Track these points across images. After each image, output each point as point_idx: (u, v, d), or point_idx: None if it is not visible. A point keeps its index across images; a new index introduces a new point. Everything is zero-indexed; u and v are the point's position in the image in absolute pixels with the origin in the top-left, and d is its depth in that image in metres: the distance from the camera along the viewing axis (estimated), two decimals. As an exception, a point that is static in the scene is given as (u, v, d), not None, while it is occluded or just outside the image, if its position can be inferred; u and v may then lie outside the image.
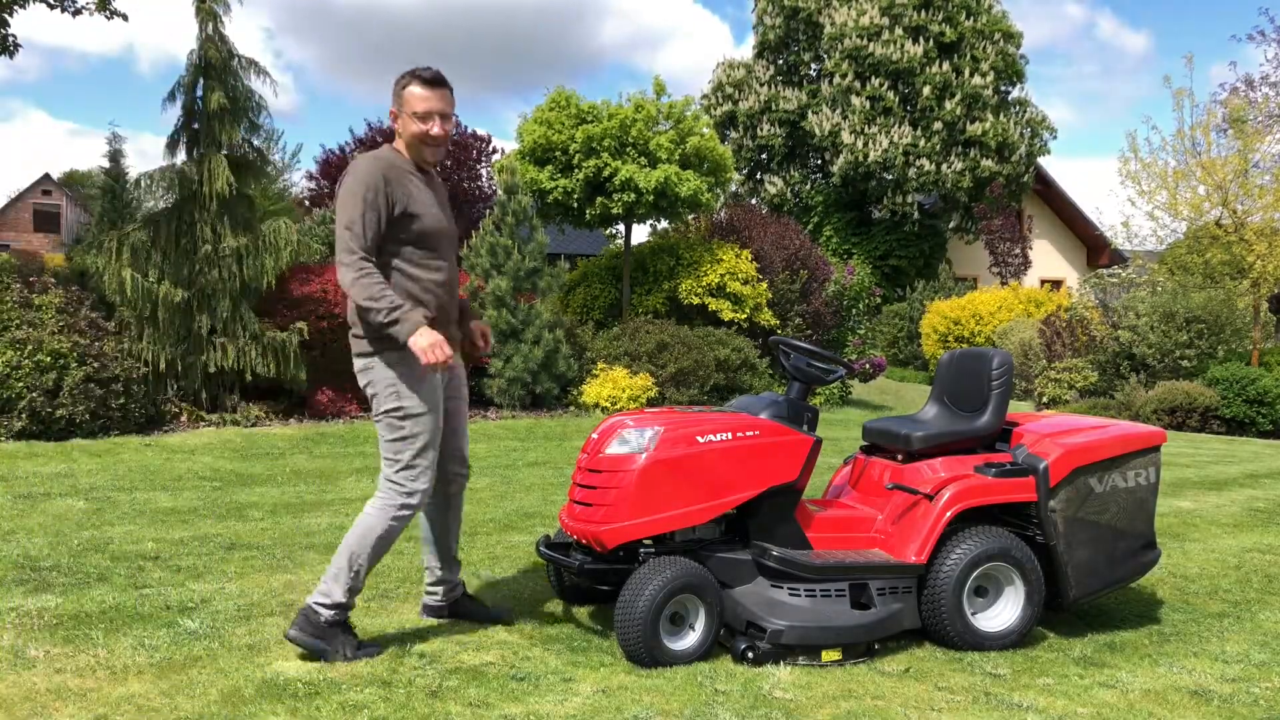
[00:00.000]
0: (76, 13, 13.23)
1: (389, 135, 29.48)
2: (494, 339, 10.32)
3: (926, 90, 23.89)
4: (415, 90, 3.30)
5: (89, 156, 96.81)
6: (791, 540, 3.63)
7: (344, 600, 3.24)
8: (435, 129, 3.31)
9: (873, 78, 24.21)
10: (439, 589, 3.69)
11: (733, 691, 3.08)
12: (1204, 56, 76.10)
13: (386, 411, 3.29)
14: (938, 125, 23.85)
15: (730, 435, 3.53)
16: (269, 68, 9.36)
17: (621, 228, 14.02)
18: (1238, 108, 17.32)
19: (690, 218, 14.09)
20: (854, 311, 15.18)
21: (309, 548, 4.71)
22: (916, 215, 24.46)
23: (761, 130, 26.00)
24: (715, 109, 26.61)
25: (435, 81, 3.32)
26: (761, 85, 26.23)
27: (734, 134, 26.61)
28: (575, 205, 12.54)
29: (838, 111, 24.49)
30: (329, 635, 3.21)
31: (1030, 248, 24.14)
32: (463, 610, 3.68)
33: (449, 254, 3.42)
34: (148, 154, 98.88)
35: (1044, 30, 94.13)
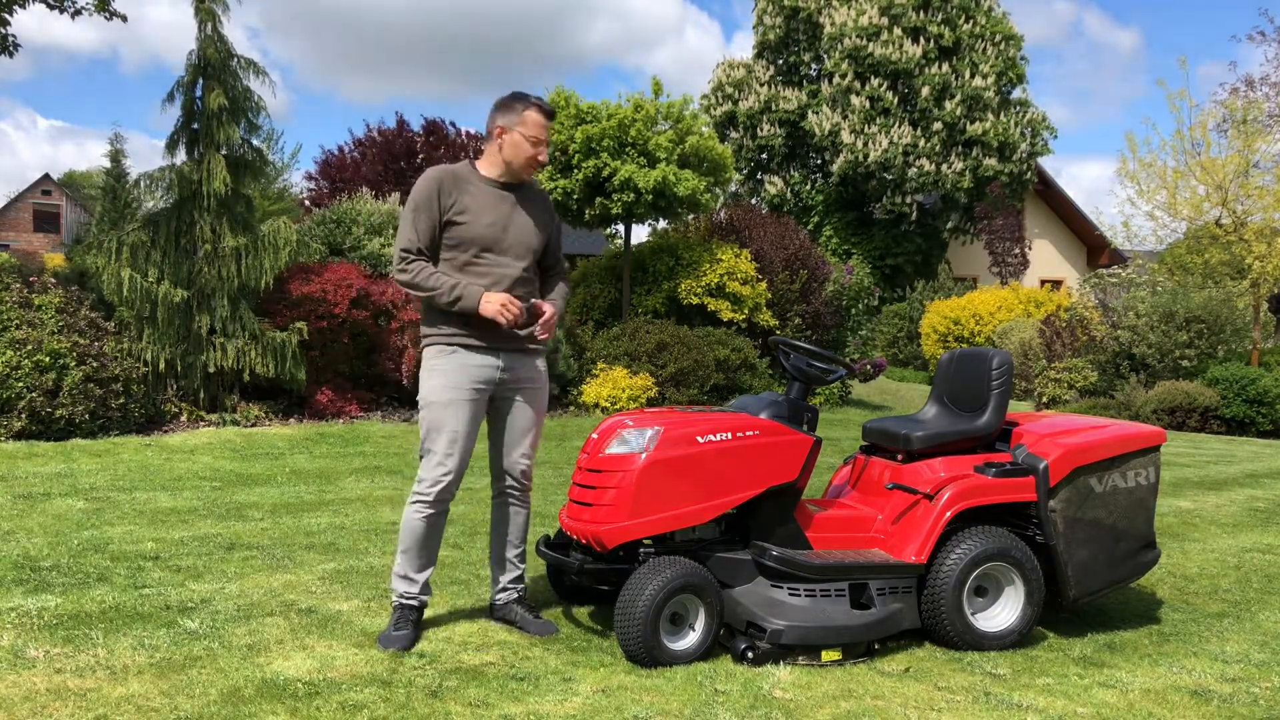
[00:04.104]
0: (76, 13, 13.20)
1: (389, 136, 29.45)
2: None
3: (926, 90, 23.90)
4: (538, 117, 3.54)
5: (75, 155, 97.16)
6: (791, 540, 3.63)
7: (394, 586, 3.53)
8: (543, 155, 3.59)
9: (872, 78, 24.21)
10: (494, 588, 3.76)
11: (733, 691, 3.08)
12: (1196, 55, 75.88)
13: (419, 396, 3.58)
14: (937, 125, 23.85)
15: (730, 435, 3.53)
16: (256, 67, 9.34)
17: (621, 228, 14.01)
18: (1237, 108, 17.33)
19: (690, 218, 14.07)
20: (853, 312, 15.17)
21: (309, 548, 4.71)
22: (915, 215, 24.46)
23: (761, 130, 25.98)
24: (715, 109, 26.59)
25: (553, 114, 3.63)
26: (761, 85, 26.21)
27: (734, 134, 26.59)
28: (574, 206, 12.53)
29: (838, 111, 24.48)
30: (395, 618, 3.50)
31: (1030, 248, 24.14)
32: (507, 616, 3.69)
33: (505, 259, 3.54)
34: (136, 154, 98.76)
35: (1034, 28, 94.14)
